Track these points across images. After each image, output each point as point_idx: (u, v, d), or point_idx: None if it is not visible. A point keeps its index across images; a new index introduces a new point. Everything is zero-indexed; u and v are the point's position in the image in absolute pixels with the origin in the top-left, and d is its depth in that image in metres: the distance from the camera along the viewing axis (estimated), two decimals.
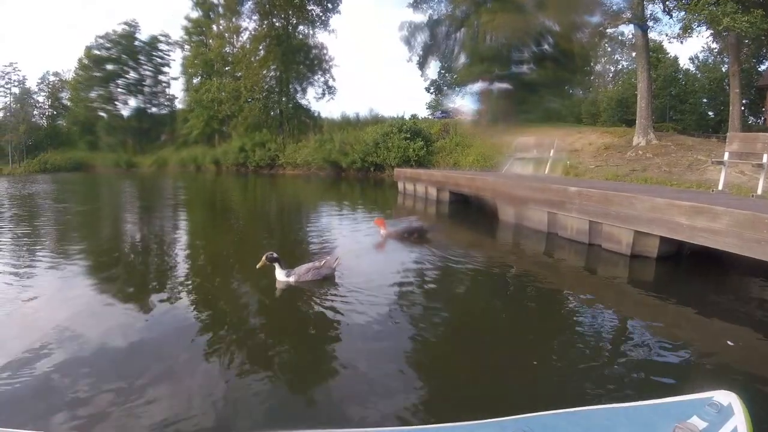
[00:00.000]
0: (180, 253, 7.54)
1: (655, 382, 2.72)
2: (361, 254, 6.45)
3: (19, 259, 7.25)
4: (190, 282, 5.48)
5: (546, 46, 24.71)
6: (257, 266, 5.05)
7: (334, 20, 33.43)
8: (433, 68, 30.73)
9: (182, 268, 6.26)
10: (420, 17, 27.72)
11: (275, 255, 5.12)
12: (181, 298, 4.77)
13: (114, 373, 3.18)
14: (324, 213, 11.41)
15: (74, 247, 8.18)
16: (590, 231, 6.12)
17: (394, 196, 13.80)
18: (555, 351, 3.24)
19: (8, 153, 52.53)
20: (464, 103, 28.52)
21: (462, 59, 27.85)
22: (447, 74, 30.28)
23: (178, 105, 45.33)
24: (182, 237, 9.11)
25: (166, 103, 49.44)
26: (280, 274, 5.09)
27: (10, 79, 54.83)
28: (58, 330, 4.04)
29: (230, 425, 2.50)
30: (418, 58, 28.54)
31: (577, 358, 3.07)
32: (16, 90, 55.40)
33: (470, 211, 9.92)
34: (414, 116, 26.09)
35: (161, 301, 4.71)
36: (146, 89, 48.59)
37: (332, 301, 4.40)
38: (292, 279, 5.06)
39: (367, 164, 22.09)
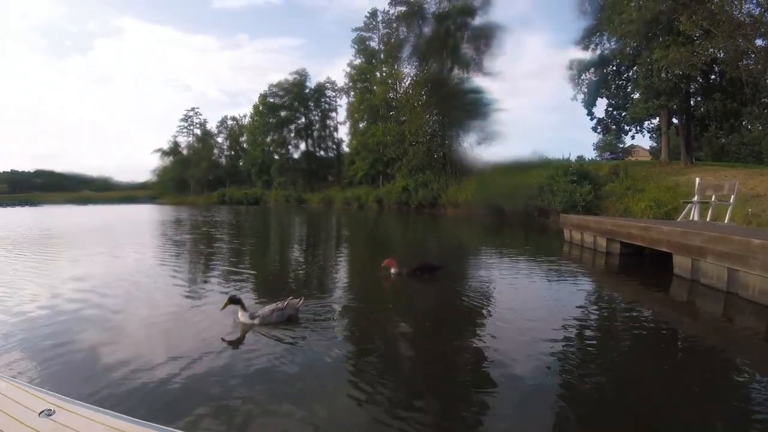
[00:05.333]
0: (340, 283, 8.28)
1: None
2: (522, 299, 6.70)
3: (198, 275, 8.70)
4: (345, 313, 5.85)
5: (713, 76, 24.21)
6: (221, 308, 5.39)
7: (494, 63, 34.12)
8: (600, 106, 30.90)
9: (339, 297, 6.82)
10: (586, 55, 28.52)
11: (238, 296, 5.41)
12: (335, 326, 5.25)
13: (261, 387, 3.66)
14: (484, 259, 11.14)
15: (244, 269, 9.47)
16: None
17: (559, 244, 13.37)
18: None
19: (191, 186, 63.05)
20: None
21: (635, 95, 28.18)
22: (616, 112, 30.37)
23: (345, 148, 50.87)
24: (342, 269, 9.82)
25: (332, 146, 56.06)
26: (244, 316, 5.28)
27: (192, 121, 66.49)
28: (217, 340, 4.75)
29: None
30: (584, 96, 29.26)
31: None
32: (197, 131, 67.00)
33: (642, 264, 9.54)
34: (581, 158, 26.10)
35: (316, 322, 5.35)
36: (315, 133, 55.63)
37: (496, 343, 4.63)
38: (256, 321, 5.24)
39: (531, 208, 22.07)
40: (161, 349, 4.54)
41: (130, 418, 2.40)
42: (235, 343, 4.71)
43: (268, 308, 5.27)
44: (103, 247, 13.34)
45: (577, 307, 6.18)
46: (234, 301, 5.28)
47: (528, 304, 6.36)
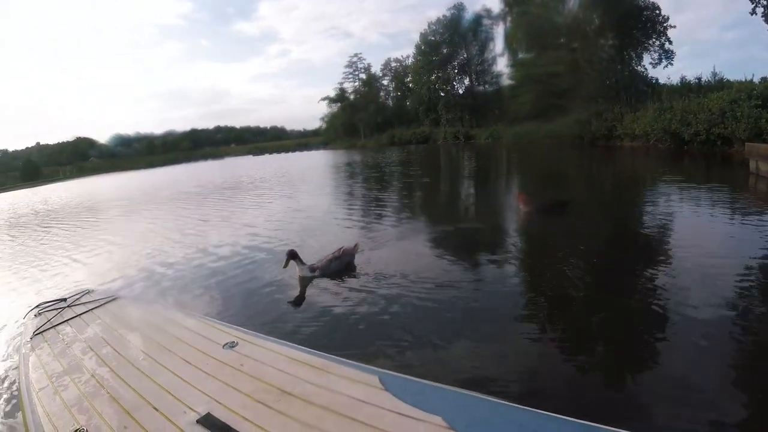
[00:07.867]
0: (511, 221, 8.40)
1: None
2: (702, 237, 6.54)
3: (371, 214, 9.47)
4: (517, 250, 5.94)
5: None
6: (283, 266, 5.27)
7: None
8: None
9: (512, 234, 7.04)
10: None
11: (294, 251, 5.26)
12: (509, 266, 5.29)
13: (439, 323, 3.75)
14: (661, 192, 10.91)
15: (415, 206, 10.51)
16: None
17: (744, 176, 12.60)
18: None
19: (360, 129, 68.27)
20: None
21: None
22: None
23: (507, 81, 49.85)
24: (511, 205, 10.09)
25: (495, 80, 55.82)
26: (303, 270, 5.23)
27: (357, 67, 70.97)
28: (398, 279, 4.84)
29: (527, 396, 2.73)
30: (763, 9, 26.80)
31: None
32: (363, 76, 71.65)
33: None
34: (765, 79, 23.97)
35: (493, 264, 5.41)
36: (477, 68, 56.35)
37: (672, 282, 4.55)
38: (317, 273, 5.21)
39: (713, 137, 20.96)
40: (328, 285, 4.88)
41: (308, 348, 2.55)
42: (400, 282, 4.89)
43: (325, 259, 5.37)
44: (287, 190, 16.01)
45: (761, 247, 5.86)
46: (292, 256, 5.29)
47: (708, 243, 6.21)
